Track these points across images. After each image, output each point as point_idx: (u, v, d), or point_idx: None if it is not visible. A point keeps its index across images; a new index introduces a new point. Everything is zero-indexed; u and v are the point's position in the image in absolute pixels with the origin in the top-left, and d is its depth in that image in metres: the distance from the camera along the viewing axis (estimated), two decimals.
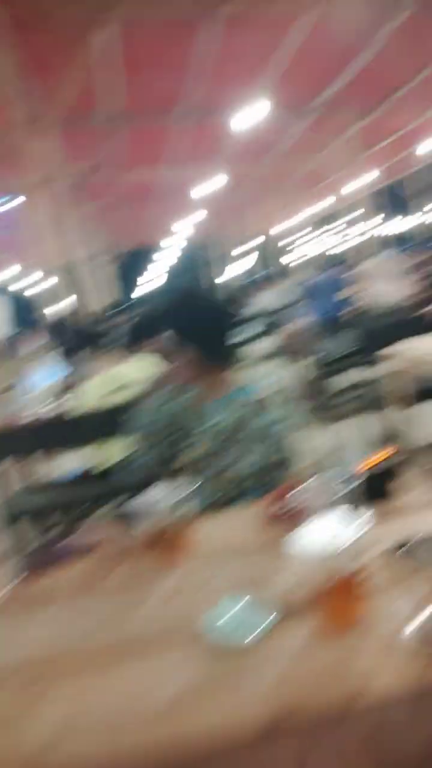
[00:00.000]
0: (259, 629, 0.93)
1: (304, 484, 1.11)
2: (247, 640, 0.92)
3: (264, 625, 0.94)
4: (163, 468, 1.64)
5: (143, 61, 7.44)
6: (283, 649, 0.89)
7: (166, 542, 1.25)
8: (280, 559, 1.15)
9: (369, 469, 1.32)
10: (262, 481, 1.63)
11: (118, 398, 3.01)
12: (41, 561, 1.35)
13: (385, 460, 1.38)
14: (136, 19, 6.32)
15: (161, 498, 1.25)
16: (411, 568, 1.02)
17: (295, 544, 0.93)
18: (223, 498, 1.64)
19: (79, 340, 3.19)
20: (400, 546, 1.08)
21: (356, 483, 1.08)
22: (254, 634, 0.93)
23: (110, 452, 3.03)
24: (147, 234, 22.52)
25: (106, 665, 0.95)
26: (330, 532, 0.93)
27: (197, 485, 1.58)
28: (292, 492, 1.39)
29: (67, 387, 4.63)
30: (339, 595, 0.93)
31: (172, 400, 1.67)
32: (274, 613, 0.96)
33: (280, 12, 6.47)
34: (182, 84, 8.46)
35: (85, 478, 3.22)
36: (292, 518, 1.28)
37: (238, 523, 1.39)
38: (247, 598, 1.01)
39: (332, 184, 15.83)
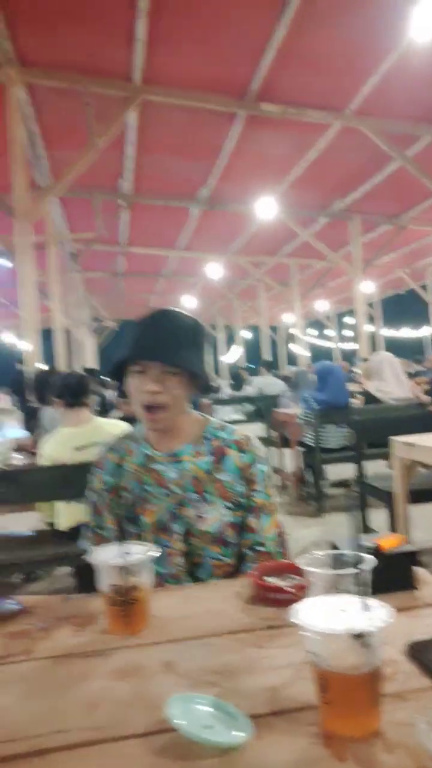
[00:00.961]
0: (230, 736, 0.66)
1: (305, 559, 0.86)
2: (220, 740, 0.66)
3: (235, 735, 0.66)
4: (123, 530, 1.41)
5: (156, 145, 7.83)
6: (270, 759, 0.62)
7: (122, 609, 0.98)
8: (266, 647, 0.90)
9: (385, 551, 1.07)
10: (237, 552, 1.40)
11: (86, 455, 2.81)
12: None
13: (399, 545, 1.14)
14: (154, 106, 6.67)
15: (121, 559, 0.99)
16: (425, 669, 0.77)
17: (296, 626, 0.68)
18: (191, 567, 1.37)
19: (55, 391, 3.01)
20: (414, 645, 0.83)
21: (370, 565, 0.83)
22: (226, 739, 0.66)
23: (70, 511, 2.80)
24: (138, 309, 22.97)
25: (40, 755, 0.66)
26: (340, 618, 0.68)
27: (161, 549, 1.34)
28: (288, 568, 1.14)
29: (31, 442, 4.42)
30: (348, 698, 0.66)
31: (128, 457, 1.46)
32: (247, 723, 0.69)
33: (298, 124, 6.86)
34: (194, 172, 8.88)
35: (42, 536, 2.97)
36: (287, 599, 1.03)
37: (213, 598, 1.12)
38: (215, 698, 0.73)
39: (346, 283, 16.41)
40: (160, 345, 1.34)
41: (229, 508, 1.38)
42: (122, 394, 4.30)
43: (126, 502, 1.41)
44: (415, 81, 6.34)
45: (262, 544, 1.39)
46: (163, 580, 1.35)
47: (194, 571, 1.38)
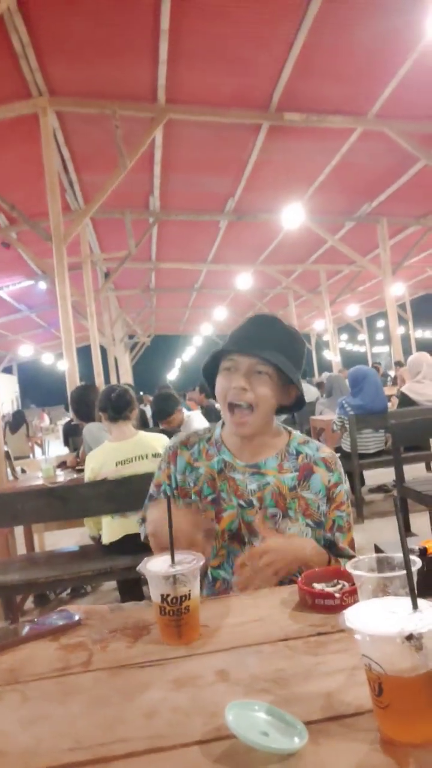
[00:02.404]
0: (288, 742, 0.67)
1: (352, 564, 0.87)
2: (279, 746, 0.67)
3: (293, 741, 0.67)
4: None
5: (182, 162, 7.94)
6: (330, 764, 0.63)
7: (174, 620, 1.00)
8: (318, 653, 0.90)
9: (431, 553, 1.07)
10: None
11: (129, 469, 2.86)
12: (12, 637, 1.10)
13: None
14: (178, 124, 6.77)
15: (171, 569, 1.01)
16: None
17: (346, 632, 0.68)
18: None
19: (99, 405, 3.07)
20: None
21: (417, 566, 0.83)
22: (284, 745, 0.67)
23: (115, 525, 2.84)
24: (171, 324, 23.20)
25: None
26: (391, 620, 0.68)
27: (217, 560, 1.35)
28: (334, 574, 1.14)
29: (73, 458, 4.52)
30: (405, 701, 0.66)
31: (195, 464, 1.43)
32: (303, 729, 0.69)
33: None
34: (220, 185, 8.96)
35: (88, 551, 3.02)
36: (336, 605, 1.04)
37: (261, 606, 1.13)
38: (270, 705, 0.74)
39: (376, 287, 16.25)
40: (252, 341, 1.33)
41: (309, 526, 1.37)
42: (159, 413, 4.35)
43: (197, 505, 1.38)
44: None
45: (352, 557, 1.39)
46: (227, 588, 1.35)
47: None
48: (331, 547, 1.39)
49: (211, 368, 1.40)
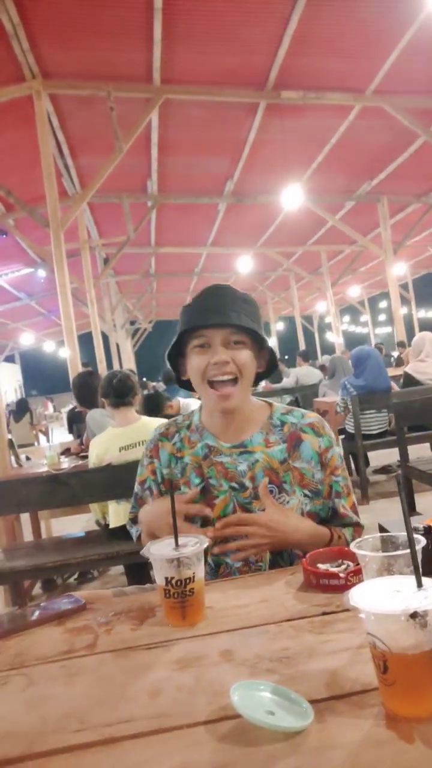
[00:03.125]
0: (293, 721, 0.67)
1: (357, 543, 0.86)
2: (284, 725, 0.67)
3: (299, 719, 0.67)
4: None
5: (179, 143, 7.85)
6: (336, 741, 0.63)
7: (179, 602, 1.00)
8: (322, 632, 0.90)
9: None
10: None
11: (132, 455, 2.86)
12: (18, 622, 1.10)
13: None
14: (174, 105, 6.69)
15: (175, 552, 1.01)
16: None
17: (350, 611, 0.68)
18: (274, 557, 1.34)
19: (101, 391, 3.07)
20: None
21: (421, 545, 0.82)
22: (289, 723, 0.67)
23: (120, 510, 2.85)
24: (172, 310, 23.15)
25: (104, 744, 0.69)
26: (395, 599, 0.68)
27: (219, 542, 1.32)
28: (339, 554, 1.14)
29: (77, 445, 4.53)
30: (409, 678, 0.66)
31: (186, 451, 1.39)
32: (309, 707, 0.69)
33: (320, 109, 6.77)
34: (219, 166, 8.87)
35: (94, 536, 3.04)
36: (340, 585, 1.03)
37: (266, 587, 1.13)
38: (275, 684, 0.74)
39: (377, 267, 16.14)
40: (221, 311, 1.25)
41: (308, 496, 1.32)
42: (150, 413, 4.37)
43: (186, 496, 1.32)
44: None
45: (357, 523, 1.37)
46: (230, 572, 1.31)
47: (277, 561, 1.33)
48: (333, 517, 1.36)
49: (176, 351, 1.34)
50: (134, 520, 1.50)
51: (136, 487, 1.48)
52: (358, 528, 1.37)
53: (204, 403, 1.37)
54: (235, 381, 1.27)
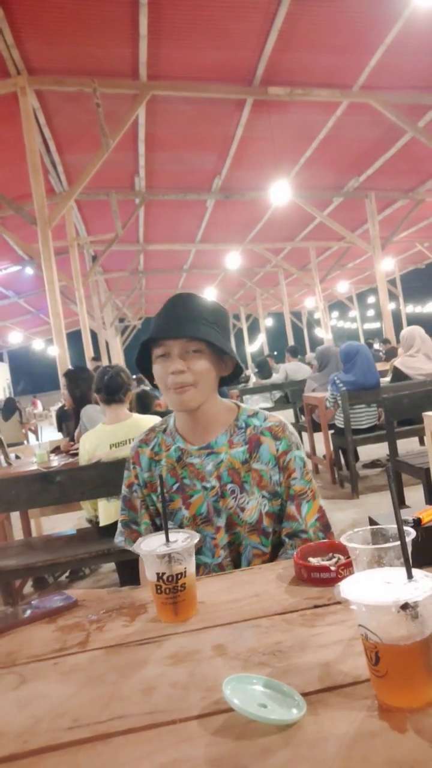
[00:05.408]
0: (286, 713, 0.67)
1: (347, 536, 0.87)
2: (277, 717, 0.67)
3: (291, 712, 0.67)
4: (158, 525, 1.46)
5: (167, 140, 7.82)
6: (329, 733, 0.63)
7: (170, 597, 1.00)
8: (314, 625, 0.91)
9: (425, 523, 1.07)
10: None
11: (122, 452, 2.86)
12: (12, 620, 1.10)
13: None
14: (161, 101, 6.67)
15: (166, 548, 1.01)
16: None
17: (342, 604, 0.68)
18: (235, 556, 1.39)
19: (93, 387, 3.06)
20: None
21: (411, 537, 0.83)
22: (282, 716, 0.67)
23: (111, 507, 2.85)
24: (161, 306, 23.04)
25: (98, 741, 0.68)
26: (386, 590, 0.68)
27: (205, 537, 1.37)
28: (330, 548, 1.15)
29: (66, 443, 4.51)
30: (401, 669, 0.67)
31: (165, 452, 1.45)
32: (301, 700, 0.70)
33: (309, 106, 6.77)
34: (206, 163, 8.86)
35: (85, 534, 3.03)
36: (332, 578, 1.04)
37: (257, 581, 1.13)
38: (267, 678, 0.75)
39: (365, 263, 16.20)
40: (180, 322, 1.32)
41: (266, 498, 1.37)
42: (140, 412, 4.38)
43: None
44: (421, 49, 6.21)
45: (305, 532, 1.37)
46: (209, 571, 1.37)
47: (236, 560, 1.39)
48: (284, 519, 1.38)
49: (145, 359, 1.39)
50: (125, 524, 1.51)
51: (124, 490, 1.51)
52: (305, 541, 1.34)
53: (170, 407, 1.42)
54: (193, 386, 1.32)
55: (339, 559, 1.09)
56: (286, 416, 11.40)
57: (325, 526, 1.39)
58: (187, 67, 6.20)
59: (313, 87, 6.74)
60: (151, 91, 6.36)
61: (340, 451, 5.40)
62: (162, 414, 3.82)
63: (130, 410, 3.12)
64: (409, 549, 0.73)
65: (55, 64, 5.92)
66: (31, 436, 12.66)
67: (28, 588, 3.77)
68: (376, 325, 35.20)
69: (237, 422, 1.42)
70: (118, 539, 1.52)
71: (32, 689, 0.84)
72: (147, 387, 6.55)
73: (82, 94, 6.25)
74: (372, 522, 1.62)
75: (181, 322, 1.32)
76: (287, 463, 1.38)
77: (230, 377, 1.44)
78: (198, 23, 5.44)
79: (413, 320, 20.12)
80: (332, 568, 1.04)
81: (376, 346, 11.41)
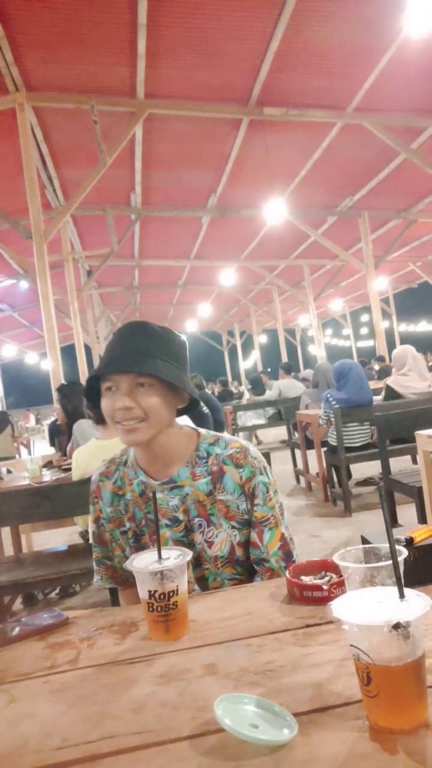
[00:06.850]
0: (277, 734, 0.66)
1: (340, 555, 0.87)
2: (268, 738, 0.66)
3: (283, 732, 0.67)
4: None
5: (163, 157, 7.90)
6: (320, 754, 0.63)
7: (162, 615, 0.99)
8: (306, 645, 0.90)
9: (417, 542, 1.07)
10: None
11: None
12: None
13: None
14: (158, 119, 6.75)
15: (158, 565, 1.01)
16: None
17: (334, 623, 0.68)
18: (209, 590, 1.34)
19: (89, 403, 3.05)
20: None
21: (403, 556, 0.83)
22: (273, 736, 0.66)
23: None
24: (155, 321, 23.11)
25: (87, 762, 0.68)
26: (378, 610, 0.68)
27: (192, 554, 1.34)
28: (322, 566, 1.14)
29: (59, 458, 4.49)
30: (393, 689, 0.67)
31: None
32: (293, 720, 0.69)
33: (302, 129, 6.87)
34: (202, 181, 8.94)
35: (76, 550, 3.00)
36: (324, 597, 1.04)
37: (249, 600, 1.13)
38: (259, 697, 0.74)
39: (359, 281, 16.31)
40: (126, 356, 1.24)
41: (236, 528, 1.33)
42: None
43: (132, 531, 1.37)
44: (413, 73, 6.34)
45: (266, 561, 1.32)
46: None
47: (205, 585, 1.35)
48: (258, 563, 1.34)
49: (93, 391, 1.32)
50: (99, 561, 1.47)
51: (91, 526, 1.47)
52: (267, 570, 1.33)
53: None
54: (142, 420, 1.25)
55: (331, 577, 1.08)
56: (280, 433, 11.40)
57: (287, 554, 1.34)
58: (184, 87, 6.29)
59: (308, 108, 6.85)
60: (148, 110, 6.44)
61: (333, 469, 5.39)
62: None
63: None
64: (402, 568, 0.74)
65: (54, 82, 5.99)
66: (23, 450, 12.57)
67: (17, 605, 3.72)
68: (369, 343, 35.39)
69: (198, 452, 1.36)
70: (95, 579, 1.49)
71: (22, 708, 0.83)
72: None
73: (79, 111, 6.32)
74: (364, 540, 1.62)
75: (129, 355, 1.24)
76: (252, 490, 1.33)
77: (187, 408, 1.37)
78: (195, 44, 5.53)
79: (406, 339, 20.26)
80: (324, 587, 1.04)
81: (376, 367, 11.45)
